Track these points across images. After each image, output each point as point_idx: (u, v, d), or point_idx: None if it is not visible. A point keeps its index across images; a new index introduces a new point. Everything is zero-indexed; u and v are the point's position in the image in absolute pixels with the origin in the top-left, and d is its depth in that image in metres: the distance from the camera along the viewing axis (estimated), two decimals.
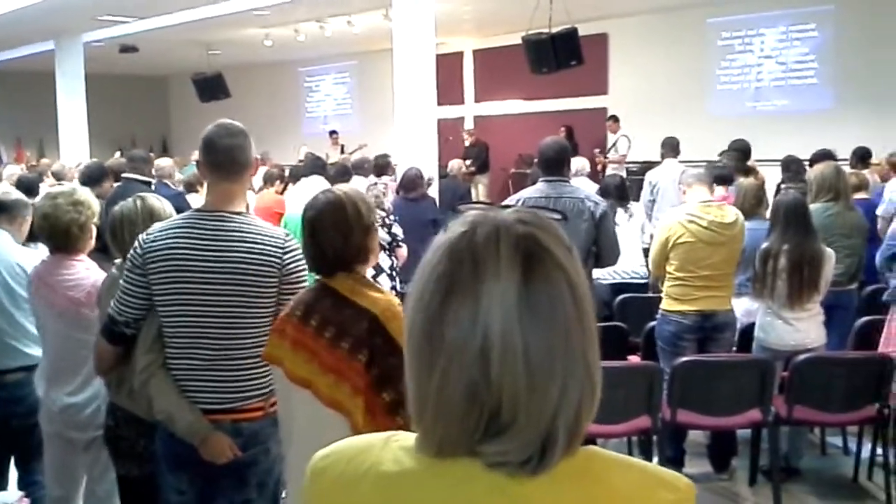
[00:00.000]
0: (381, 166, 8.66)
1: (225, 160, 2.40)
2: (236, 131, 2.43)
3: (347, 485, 0.91)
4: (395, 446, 0.90)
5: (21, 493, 3.04)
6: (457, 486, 0.85)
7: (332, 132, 15.42)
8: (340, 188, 2.22)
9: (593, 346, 0.86)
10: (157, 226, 2.47)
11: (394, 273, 5.51)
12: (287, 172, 8.72)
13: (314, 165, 7.59)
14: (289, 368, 2.03)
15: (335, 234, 2.04)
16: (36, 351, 3.39)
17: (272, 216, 6.91)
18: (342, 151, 14.27)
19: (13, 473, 3.60)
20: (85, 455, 3.14)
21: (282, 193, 8.35)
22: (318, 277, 2.14)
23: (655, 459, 4.00)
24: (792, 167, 7.06)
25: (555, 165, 4.15)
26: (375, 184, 6.50)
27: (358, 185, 7.49)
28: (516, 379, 0.81)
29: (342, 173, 8.20)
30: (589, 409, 0.85)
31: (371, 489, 0.89)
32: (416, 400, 0.87)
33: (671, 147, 7.63)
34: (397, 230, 5.59)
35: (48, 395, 3.14)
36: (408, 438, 0.91)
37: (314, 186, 6.23)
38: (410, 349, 0.87)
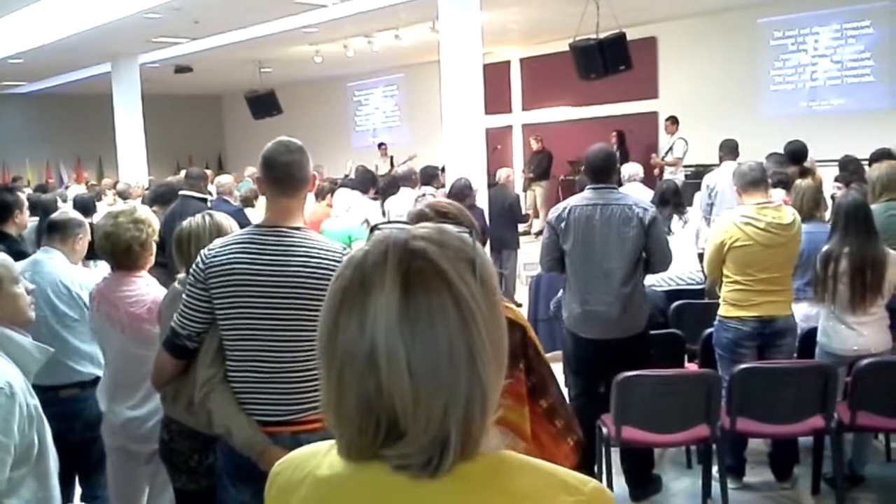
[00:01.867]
0: (429, 177, 8.69)
1: (284, 176, 2.43)
2: (295, 148, 2.47)
3: (291, 489, 0.98)
4: (334, 452, 0.96)
5: None
6: (368, 488, 0.91)
7: (381, 144, 15.56)
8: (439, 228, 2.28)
9: (484, 355, 0.88)
10: (218, 241, 2.51)
11: None
12: (338, 185, 8.82)
13: (364, 178, 7.66)
14: None
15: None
16: (87, 368, 3.46)
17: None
18: (391, 163, 14.39)
19: (77, 489, 3.69)
20: (146, 468, 3.20)
21: (332, 206, 8.46)
22: None
23: (715, 468, 3.93)
24: (850, 167, 6.88)
25: (602, 172, 4.12)
26: (424, 195, 6.53)
27: (405, 196, 7.54)
28: (403, 387, 0.86)
29: (392, 185, 8.28)
30: (480, 413, 0.88)
31: (307, 492, 0.96)
32: (324, 407, 0.93)
33: (730, 149, 7.49)
34: None
35: (110, 409, 3.20)
36: None
37: (344, 197, 6.31)
38: (318, 357, 0.94)
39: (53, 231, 3.69)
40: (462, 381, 0.87)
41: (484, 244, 5.46)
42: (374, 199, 7.75)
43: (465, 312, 0.88)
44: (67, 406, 3.37)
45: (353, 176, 10.30)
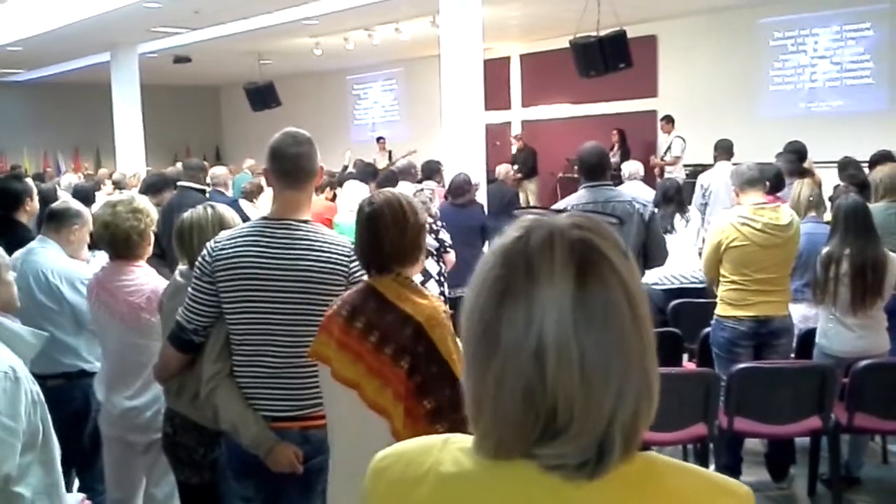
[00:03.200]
0: (431, 171, 8.67)
1: (292, 168, 2.41)
2: (303, 140, 2.45)
3: (407, 486, 0.92)
4: (453, 448, 0.91)
5: (83, 496, 3.10)
6: (514, 488, 0.85)
7: (380, 138, 15.55)
8: (391, 190, 2.24)
9: (650, 352, 0.86)
10: (224, 234, 2.49)
11: (442, 279, 5.51)
12: (336, 179, 8.80)
13: (364, 172, 7.64)
14: (336, 368, 2.04)
15: (393, 229, 2.05)
16: (70, 360, 3.43)
17: (323, 222, 6.95)
18: (390, 158, 14.37)
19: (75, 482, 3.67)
20: (144, 458, 3.20)
21: (332, 200, 8.44)
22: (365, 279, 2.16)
23: (712, 467, 3.93)
24: (849, 168, 6.88)
25: (597, 170, 4.12)
26: (422, 189, 6.50)
27: (405, 189, 7.52)
28: (572, 383, 0.81)
29: (389, 179, 8.25)
30: (646, 415, 0.85)
31: (431, 490, 0.90)
32: (472, 402, 0.88)
33: (725, 149, 7.51)
34: (445, 236, 5.59)
35: (108, 399, 3.19)
36: (465, 440, 0.92)
37: (356, 191, 6.28)
38: (468, 352, 0.89)
39: (50, 221, 3.66)
40: (633, 378, 0.83)
41: (484, 242, 5.44)
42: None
43: (637, 308, 0.85)
44: (54, 395, 3.32)
45: (352, 169, 10.30)
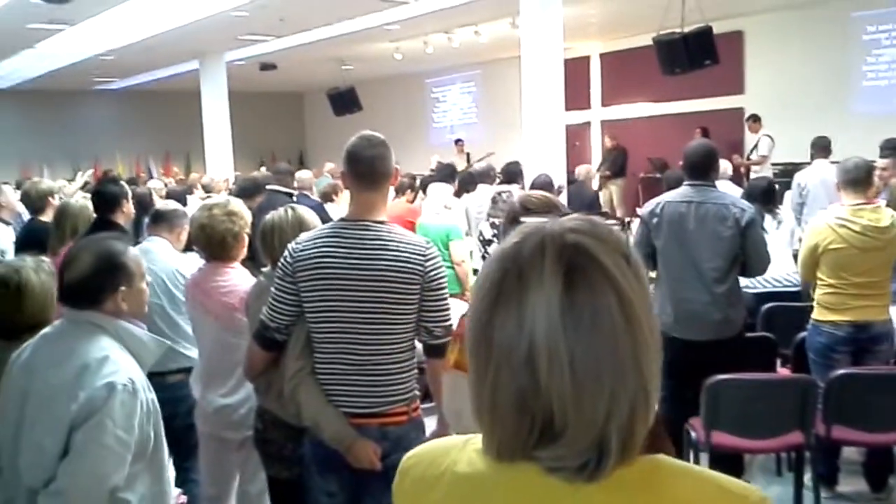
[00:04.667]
0: (513, 174, 8.63)
1: (367, 170, 2.46)
2: (378, 142, 2.49)
3: (427, 485, 0.97)
4: (471, 448, 0.94)
5: (179, 490, 3.20)
6: (518, 489, 0.88)
7: (458, 141, 15.59)
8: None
9: (647, 354, 0.86)
10: (305, 235, 2.55)
11: None
12: (418, 182, 8.86)
13: (443, 172, 7.68)
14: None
15: None
16: (194, 353, 3.53)
17: (405, 224, 7.01)
18: (468, 160, 14.40)
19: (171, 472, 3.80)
20: (237, 454, 3.28)
21: (412, 202, 8.50)
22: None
23: (807, 476, 3.80)
24: None
25: (699, 169, 4.01)
26: (500, 193, 6.49)
27: (484, 192, 7.52)
28: (563, 386, 0.83)
29: (468, 182, 8.26)
30: (643, 417, 0.86)
31: (446, 489, 0.94)
32: (474, 404, 0.90)
33: (821, 147, 7.25)
34: None
35: (204, 397, 3.29)
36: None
37: (440, 193, 6.30)
38: (469, 355, 0.91)
39: (161, 221, 3.83)
40: (626, 381, 0.84)
41: None
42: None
43: (629, 309, 0.85)
44: (175, 391, 3.43)
45: (430, 172, 10.35)
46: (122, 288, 2.17)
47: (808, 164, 7.52)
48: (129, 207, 4.41)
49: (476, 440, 0.94)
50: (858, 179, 3.99)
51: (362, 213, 2.48)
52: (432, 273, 2.42)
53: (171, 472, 2.28)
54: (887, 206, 4.33)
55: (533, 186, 7.03)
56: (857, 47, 11.58)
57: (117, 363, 2.06)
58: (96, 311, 2.14)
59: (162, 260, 3.65)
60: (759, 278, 5.04)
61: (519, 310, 0.85)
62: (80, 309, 2.15)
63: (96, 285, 2.14)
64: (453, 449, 0.97)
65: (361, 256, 2.40)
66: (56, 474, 1.97)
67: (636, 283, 0.87)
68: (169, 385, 3.36)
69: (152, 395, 2.14)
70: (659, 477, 0.89)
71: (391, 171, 2.52)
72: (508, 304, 0.86)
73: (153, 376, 2.27)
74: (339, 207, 6.89)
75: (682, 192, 4.01)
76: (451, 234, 5.64)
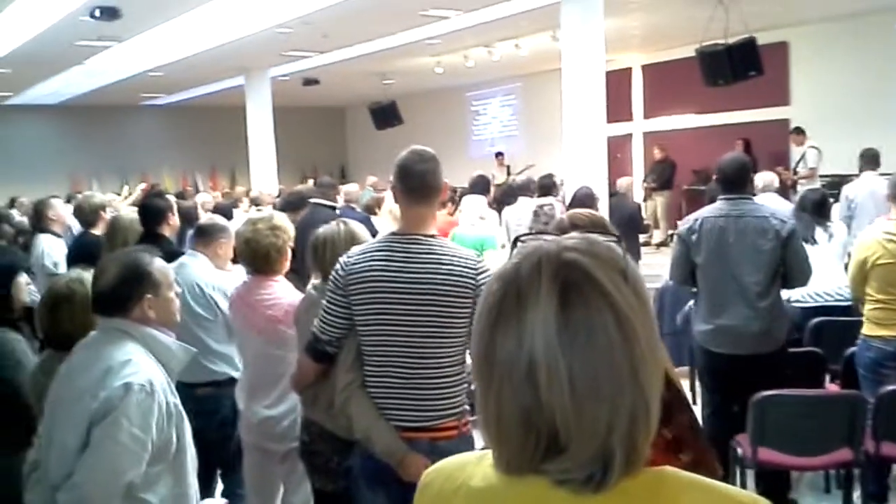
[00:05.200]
0: (547, 186, 8.63)
1: (419, 185, 2.47)
2: (429, 157, 2.51)
3: (444, 499, 0.99)
4: (486, 463, 0.96)
5: (225, 501, 3.25)
6: (527, 502, 0.90)
7: (498, 153, 15.62)
8: None
9: (646, 368, 0.87)
10: (356, 249, 2.57)
11: None
12: (458, 194, 8.88)
13: (477, 186, 7.70)
14: None
15: None
16: (221, 367, 3.60)
17: (444, 236, 7.06)
18: (508, 172, 14.40)
19: (219, 485, 3.85)
20: (281, 466, 3.32)
21: (452, 214, 8.53)
22: None
23: (857, 494, 3.72)
24: None
25: (735, 182, 3.98)
26: (542, 206, 6.47)
27: (524, 205, 7.51)
28: (564, 401, 0.85)
29: (508, 194, 8.27)
30: (645, 430, 0.88)
31: (462, 503, 0.96)
32: (482, 421, 0.92)
33: (870, 159, 7.12)
34: None
35: (248, 408, 3.33)
36: None
37: (475, 205, 6.32)
38: (474, 372, 0.94)
39: (199, 236, 3.90)
40: (625, 395, 0.86)
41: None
42: (490, 207, 7.76)
43: (625, 325, 0.87)
44: (204, 404, 3.48)
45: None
46: (149, 296, 2.27)
47: (856, 175, 7.38)
48: (174, 220, 4.50)
49: (491, 455, 0.96)
50: None
51: (413, 228, 2.50)
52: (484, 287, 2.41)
53: (194, 478, 2.32)
54: None
55: (574, 198, 7.00)
56: None
57: (138, 365, 2.15)
58: (125, 319, 2.24)
59: (188, 273, 3.65)
60: (809, 292, 4.96)
61: (518, 328, 0.87)
62: (110, 317, 2.26)
63: (123, 293, 2.25)
64: (469, 464, 0.99)
65: (413, 270, 2.42)
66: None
67: (633, 298, 0.89)
68: (197, 397, 3.40)
69: (175, 400, 2.22)
70: (665, 489, 0.90)
71: (441, 186, 2.52)
72: (508, 322, 0.89)
73: (182, 388, 2.35)
74: (381, 220, 6.95)
75: (719, 206, 3.97)
76: (485, 244, 5.66)
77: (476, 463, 0.98)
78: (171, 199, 4.78)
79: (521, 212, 7.32)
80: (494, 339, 0.89)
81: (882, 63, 11.44)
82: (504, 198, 8.45)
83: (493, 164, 15.19)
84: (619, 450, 0.86)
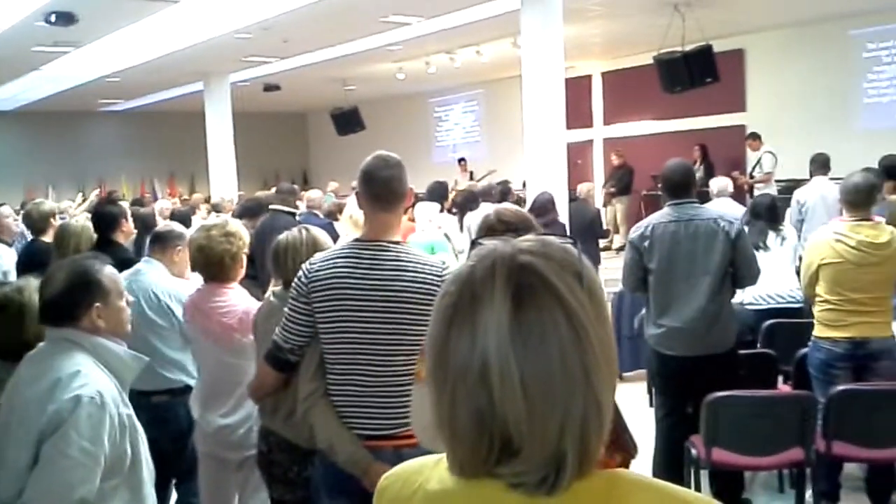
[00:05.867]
0: (504, 193, 8.70)
1: (383, 191, 2.45)
2: (394, 163, 2.48)
3: (401, 503, 0.99)
4: (442, 466, 0.95)
5: None
6: None
7: (461, 160, 15.65)
8: None
9: (598, 370, 0.87)
10: (319, 255, 2.53)
11: None
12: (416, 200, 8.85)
13: (435, 193, 7.72)
14: None
15: None
16: (176, 375, 3.57)
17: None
18: (471, 178, 14.44)
19: (173, 494, 3.80)
20: (237, 474, 3.28)
21: (414, 220, 8.52)
22: None
23: (809, 493, 3.79)
24: None
25: (681, 188, 4.06)
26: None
27: (485, 211, 7.54)
28: (516, 403, 0.85)
29: (470, 200, 8.31)
30: (597, 431, 0.88)
31: None
32: (436, 423, 0.92)
33: (821, 164, 7.27)
34: None
35: (203, 417, 3.29)
36: None
37: (425, 210, 6.34)
38: (429, 377, 0.93)
39: (155, 243, 3.85)
40: (577, 397, 0.86)
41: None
42: (450, 212, 7.78)
43: (578, 327, 0.87)
44: (159, 412, 3.45)
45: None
46: (98, 304, 2.21)
47: (809, 180, 7.53)
48: (128, 227, 4.46)
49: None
50: (859, 200, 4.00)
51: (378, 234, 2.47)
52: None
53: (151, 490, 2.28)
54: (887, 223, 4.34)
55: (534, 204, 7.06)
56: (857, 64, 11.62)
57: (87, 377, 2.10)
58: (74, 329, 2.18)
59: (142, 280, 3.62)
60: (762, 294, 5.05)
61: (472, 330, 0.87)
62: (59, 326, 2.20)
63: (70, 302, 2.19)
64: (426, 467, 0.99)
65: (378, 277, 2.39)
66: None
67: (587, 301, 0.89)
68: (152, 406, 3.37)
69: (129, 411, 2.16)
70: (619, 490, 0.90)
71: (406, 192, 2.49)
72: (462, 324, 0.88)
73: (137, 396, 2.30)
74: (342, 226, 6.92)
75: (668, 212, 4.04)
76: (434, 248, 5.68)
77: (433, 466, 0.97)
78: (125, 205, 4.73)
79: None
80: (448, 340, 0.89)
81: (836, 69, 11.70)
82: (465, 203, 8.48)
83: (455, 169, 15.22)
84: (571, 452, 0.86)
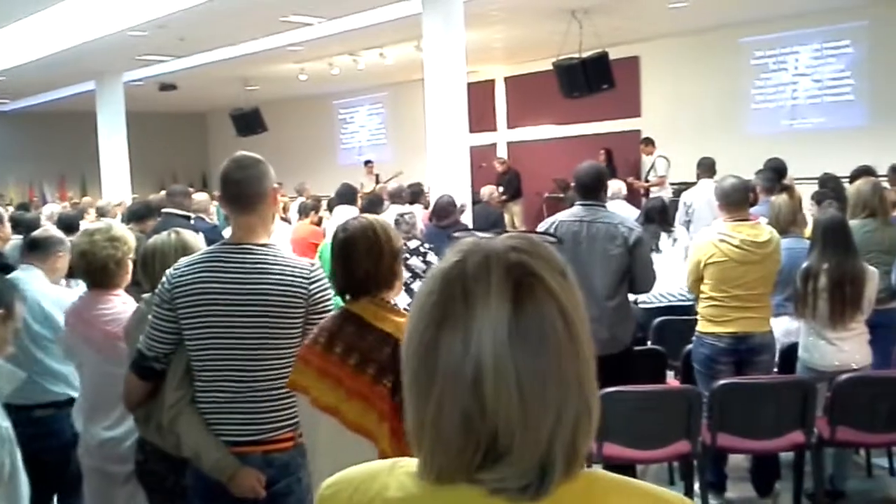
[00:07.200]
0: (415, 194, 8.72)
1: (236, 193, 2.41)
2: (248, 164, 2.43)
3: None
4: (400, 472, 0.92)
5: None
6: None
7: (367, 162, 15.59)
8: (369, 216, 2.25)
9: (588, 371, 0.86)
10: (183, 260, 2.48)
11: None
12: (324, 204, 8.79)
13: (342, 195, 7.67)
14: (315, 396, 2.03)
15: (366, 257, 2.06)
16: (61, 388, 3.43)
17: (308, 247, 6.98)
18: (377, 181, 14.40)
19: None
20: (123, 488, 3.15)
21: (318, 224, 8.44)
22: (341, 304, 2.16)
23: (697, 485, 3.93)
24: (829, 184, 6.95)
25: (591, 189, 4.15)
26: (403, 214, 6.52)
27: (393, 212, 7.54)
28: (510, 406, 0.82)
29: (375, 203, 8.29)
30: (586, 433, 0.86)
31: None
32: (413, 428, 0.88)
33: (707, 167, 7.59)
34: (433, 258, 5.60)
35: (87, 430, 3.16)
36: (412, 464, 0.92)
37: (343, 214, 6.29)
38: (408, 377, 0.89)
39: (34, 249, 3.67)
40: (571, 400, 0.84)
41: None
42: None
43: (571, 327, 0.85)
44: (42, 426, 3.33)
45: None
46: None
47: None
48: (4, 231, 4.24)
49: (404, 463, 0.93)
50: (736, 200, 4.18)
51: (242, 237, 2.42)
52: (318, 295, 2.37)
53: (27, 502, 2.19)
54: (768, 223, 4.55)
55: (435, 206, 7.09)
56: (746, 71, 12.16)
57: None
58: None
59: (25, 290, 3.38)
60: (655, 293, 5.22)
61: (465, 331, 0.83)
62: None
63: None
64: (380, 473, 0.94)
65: (242, 280, 2.35)
66: None
67: (574, 299, 0.88)
68: (36, 419, 3.26)
69: (6, 424, 2.07)
70: (597, 491, 0.89)
71: (265, 192, 2.43)
72: (454, 326, 0.84)
73: (17, 410, 2.20)
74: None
75: (575, 211, 4.13)
76: None
77: (388, 472, 0.93)
78: (2, 210, 4.50)
79: (390, 220, 7.32)
80: (438, 342, 0.84)
81: (726, 76, 12.22)
82: (371, 206, 8.44)
83: (361, 172, 15.15)
84: (560, 456, 0.83)
